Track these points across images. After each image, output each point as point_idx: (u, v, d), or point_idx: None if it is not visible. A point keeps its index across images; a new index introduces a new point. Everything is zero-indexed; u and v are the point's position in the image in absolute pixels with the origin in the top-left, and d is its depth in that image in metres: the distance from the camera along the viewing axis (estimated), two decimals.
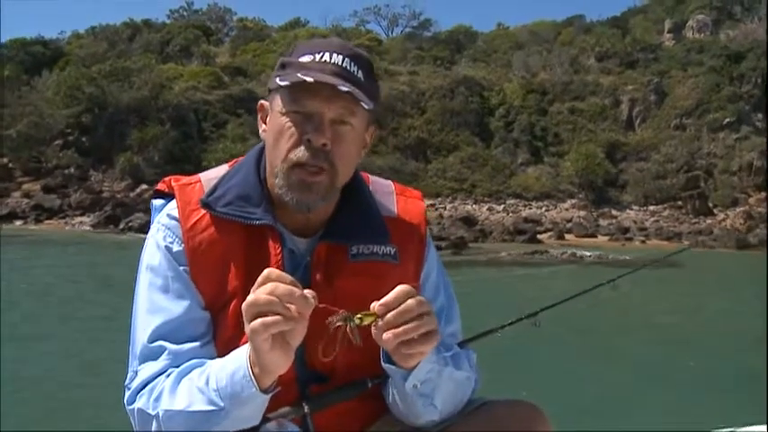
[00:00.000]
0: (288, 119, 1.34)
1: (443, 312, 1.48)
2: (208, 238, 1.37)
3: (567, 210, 32.81)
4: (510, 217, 31.17)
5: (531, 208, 32.85)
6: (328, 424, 1.36)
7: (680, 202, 32.56)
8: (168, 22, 50.63)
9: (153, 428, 1.29)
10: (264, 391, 1.21)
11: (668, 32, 42.94)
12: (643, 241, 28.58)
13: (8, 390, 6.17)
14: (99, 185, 33.23)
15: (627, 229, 29.97)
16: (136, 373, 1.34)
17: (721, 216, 31.37)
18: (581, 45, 42.53)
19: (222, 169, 1.47)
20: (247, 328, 1.16)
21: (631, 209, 33.11)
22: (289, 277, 1.17)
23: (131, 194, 31.23)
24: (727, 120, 35.16)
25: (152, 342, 1.33)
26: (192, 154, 32.20)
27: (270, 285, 1.15)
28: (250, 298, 1.16)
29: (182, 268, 1.37)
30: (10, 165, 34.64)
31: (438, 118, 36.57)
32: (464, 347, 1.45)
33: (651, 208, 32.96)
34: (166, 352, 1.32)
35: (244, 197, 1.39)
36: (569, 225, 30.41)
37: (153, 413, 1.28)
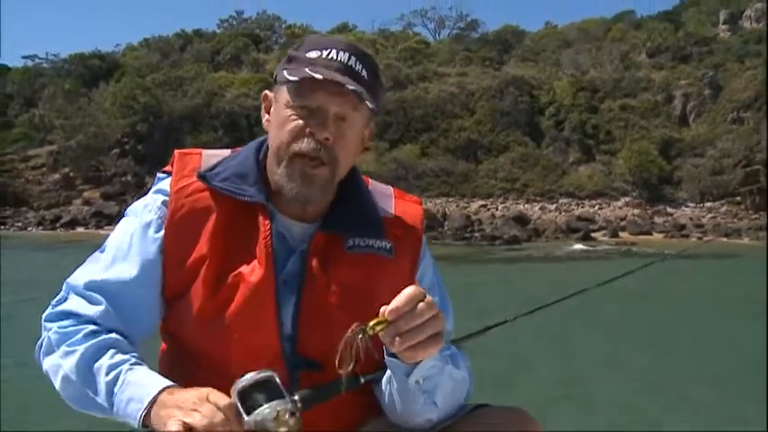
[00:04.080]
0: (293, 111, 1.37)
1: None
2: (194, 205, 1.40)
3: (620, 208, 32.30)
4: (563, 216, 30.86)
5: (583, 207, 32.44)
6: (316, 419, 1.32)
7: (738, 198, 31.74)
8: (218, 31, 51.51)
9: (48, 365, 1.35)
10: (145, 426, 1.22)
11: (723, 24, 41.85)
12: (700, 238, 27.99)
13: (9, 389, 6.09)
14: None
15: (683, 227, 29.36)
16: (65, 298, 1.39)
17: None
18: (632, 41, 41.81)
19: (225, 152, 1.50)
20: (173, 424, 1.15)
21: (687, 206, 32.40)
22: (226, 400, 1.18)
23: None
24: None
25: (92, 290, 1.37)
26: None
27: (210, 411, 1.15)
28: (190, 419, 1.14)
29: (157, 235, 1.40)
30: (71, 174, 35.82)
31: (488, 118, 36.40)
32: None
33: (708, 204, 32.20)
34: (101, 306, 1.35)
35: (240, 176, 1.42)
36: (623, 223, 29.96)
37: (57, 359, 1.33)
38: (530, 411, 1.39)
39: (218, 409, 1.15)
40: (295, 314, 1.37)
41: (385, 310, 1.20)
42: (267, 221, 1.38)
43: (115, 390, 1.26)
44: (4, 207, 32.96)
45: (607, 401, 6.30)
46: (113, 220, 30.72)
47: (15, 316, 9.56)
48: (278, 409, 1.17)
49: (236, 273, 1.35)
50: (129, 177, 35.13)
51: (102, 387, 1.27)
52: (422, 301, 1.21)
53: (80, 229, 29.56)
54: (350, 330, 1.19)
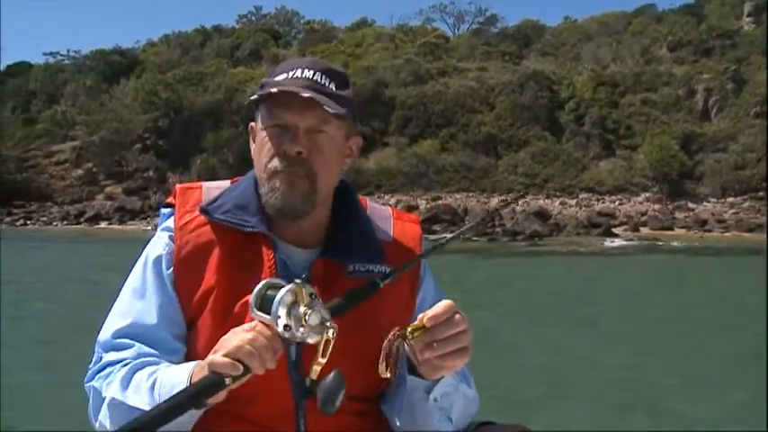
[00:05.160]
0: (267, 133, 1.42)
1: None
2: (198, 239, 1.44)
3: (641, 203, 32.16)
4: (583, 211, 30.78)
5: (604, 202, 32.33)
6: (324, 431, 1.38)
7: (761, 194, 31.49)
8: (237, 27, 51.75)
9: (101, 409, 1.38)
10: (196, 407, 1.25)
11: (748, 16, 41.33)
12: (722, 233, 27.86)
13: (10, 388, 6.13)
14: None
15: (704, 222, 29.22)
16: (100, 357, 1.43)
17: None
18: (653, 35, 41.47)
19: (225, 183, 1.55)
20: (215, 359, 1.20)
21: (709, 201, 32.18)
22: (267, 332, 1.21)
23: None
24: None
25: (117, 338, 1.42)
26: None
27: (252, 334, 1.20)
28: (232, 339, 1.20)
29: (168, 272, 1.44)
30: (94, 169, 36.24)
31: (508, 113, 36.30)
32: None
33: (730, 200, 31.95)
34: (133, 349, 1.40)
35: (241, 207, 1.45)
36: (644, 218, 29.84)
37: (103, 395, 1.37)
38: (532, 428, 1.42)
39: (257, 332, 1.20)
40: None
41: (423, 316, 1.26)
42: (270, 251, 1.43)
43: (156, 387, 1.31)
44: (29, 202, 33.46)
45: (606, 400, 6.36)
46: (136, 215, 31.10)
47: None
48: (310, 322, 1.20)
49: (242, 302, 1.37)
50: (151, 173, 35.47)
51: (145, 394, 1.32)
52: (458, 313, 1.28)
53: (103, 224, 29.92)
54: (390, 335, 1.26)
